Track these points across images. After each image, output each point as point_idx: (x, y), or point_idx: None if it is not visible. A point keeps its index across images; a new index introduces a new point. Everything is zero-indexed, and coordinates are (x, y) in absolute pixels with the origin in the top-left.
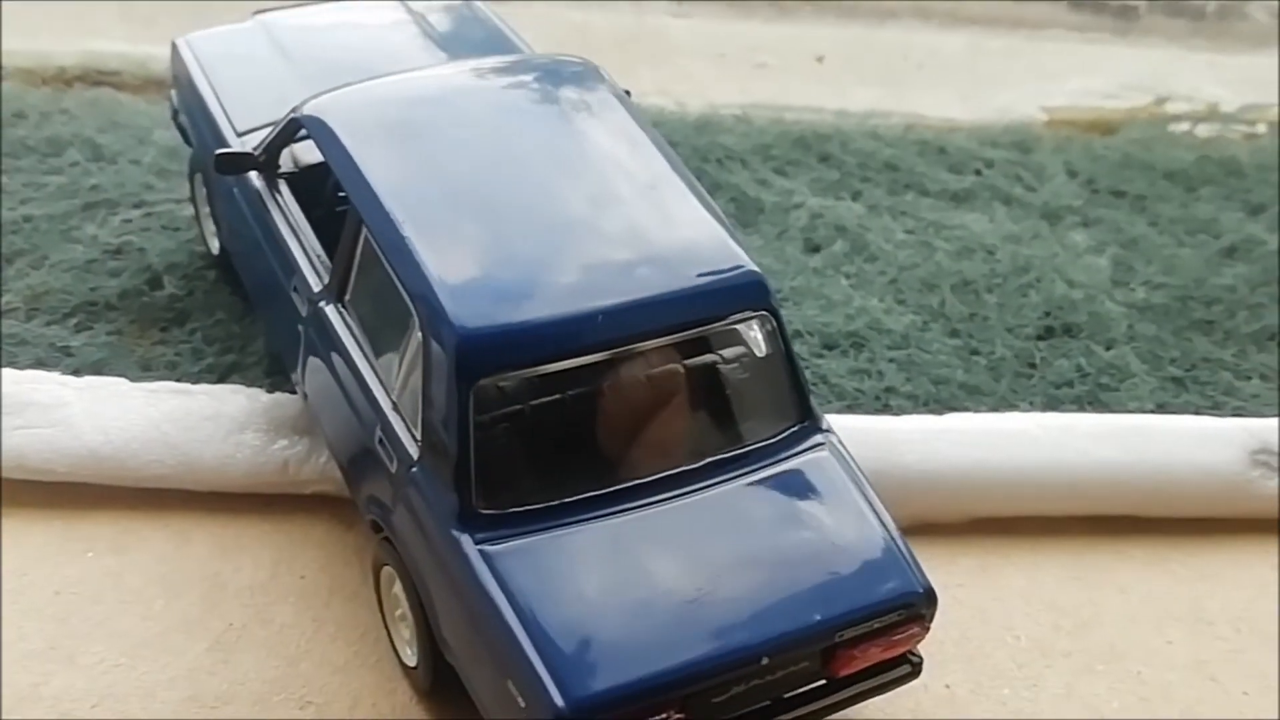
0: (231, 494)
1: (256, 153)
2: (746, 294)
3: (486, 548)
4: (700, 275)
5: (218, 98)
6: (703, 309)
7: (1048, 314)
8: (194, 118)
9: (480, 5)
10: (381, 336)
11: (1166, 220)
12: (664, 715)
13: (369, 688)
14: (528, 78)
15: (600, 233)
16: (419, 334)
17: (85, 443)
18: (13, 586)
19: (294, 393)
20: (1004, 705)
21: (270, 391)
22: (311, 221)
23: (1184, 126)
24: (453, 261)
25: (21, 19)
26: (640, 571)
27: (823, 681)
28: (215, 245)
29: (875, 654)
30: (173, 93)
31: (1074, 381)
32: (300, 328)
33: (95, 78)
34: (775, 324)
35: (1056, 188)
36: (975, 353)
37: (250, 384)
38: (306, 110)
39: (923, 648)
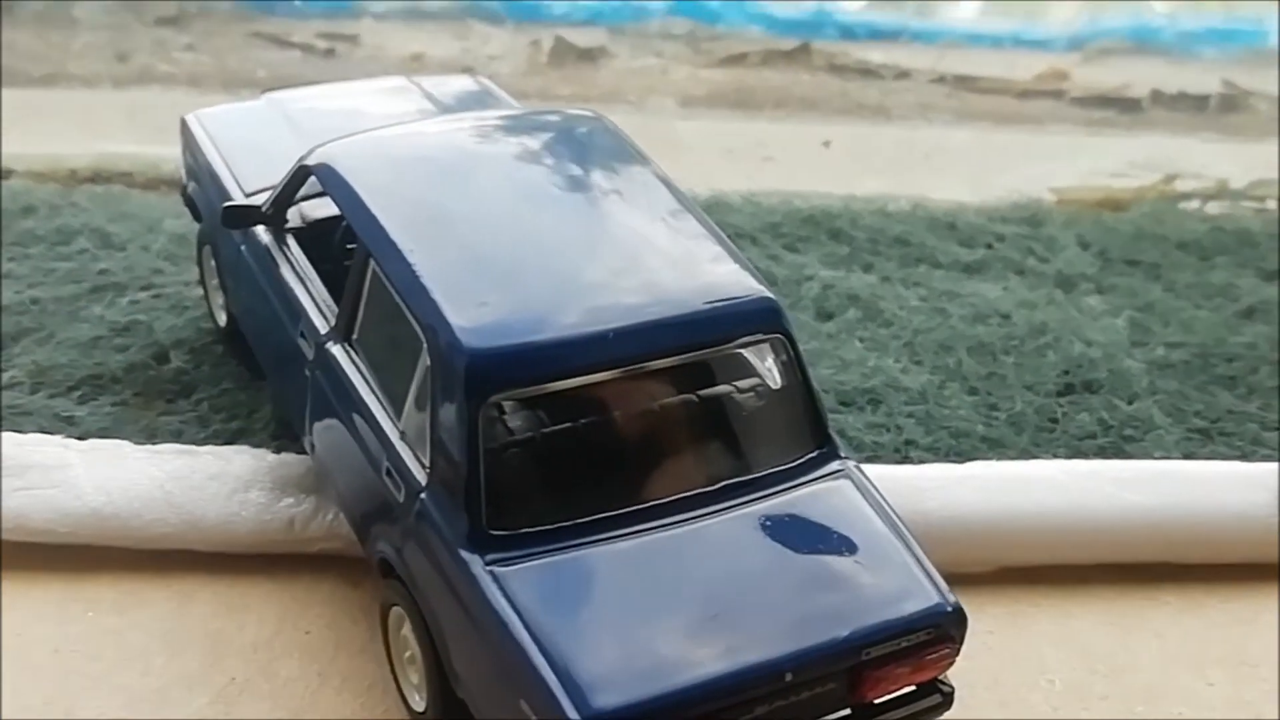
0: (236, 554)
1: (264, 207)
2: (760, 317)
3: (497, 569)
4: (713, 299)
5: (226, 163)
6: (715, 331)
7: (1066, 372)
8: (203, 187)
9: (490, 83)
10: (389, 370)
11: (1182, 286)
12: None
13: None
14: (535, 124)
15: (611, 261)
16: (427, 359)
17: (87, 503)
18: (10, 645)
19: (301, 453)
20: None
21: (277, 452)
22: (319, 276)
23: (1194, 204)
24: (460, 287)
25: (32, 123)
26: (656, 591)
27: (849, 711)
28: (223, 318)
29: (904, 676)
30: (182, 170)
31: (1097, 434)
32: (307, 373)
33: (106, 177)
34: (790, 348)
35: (1069, 258)
36: (995, 408)
37: (256, 447)
38: (315, 157)
39: (955, 682)
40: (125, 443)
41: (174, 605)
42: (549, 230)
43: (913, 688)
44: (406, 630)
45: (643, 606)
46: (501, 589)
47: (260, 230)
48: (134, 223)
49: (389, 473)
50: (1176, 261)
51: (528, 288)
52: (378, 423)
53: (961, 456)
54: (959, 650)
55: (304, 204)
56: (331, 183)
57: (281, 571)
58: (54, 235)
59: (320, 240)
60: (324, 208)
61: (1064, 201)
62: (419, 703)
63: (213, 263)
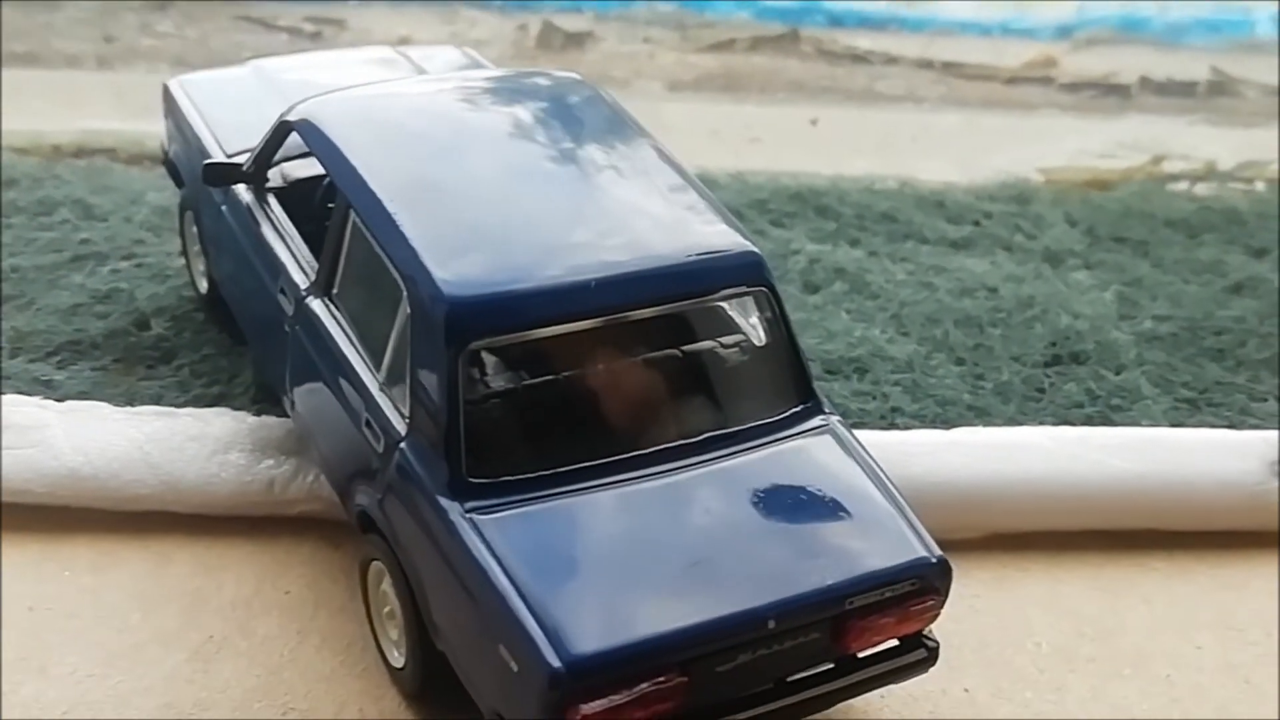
0: (215, 516)
1: (245, 165)
2: (743, 270)
3: (477, 516)
4: (695, 252)
5: (208, 126)
6: (697, 283)
7: (1053, 344)
8: (185, 151)
9: (477, 55)
10: (369, 322)
11: (1170, 262)
12: (665, 679)
13: (355, 694)
14: (520, 85)
15: (593, 215)
16: (407, 308)
17: (65, 463)
18: None
19: (282, 416)
20: (1027, 708)
21: (257, 415)
22: (300, 235)
23: (1182, 185)
24: (441, 238)
25: (15, 100)
26: (637, 539)
27: (833, 665)
28: (204, 285)
29: (889, 628)
30: (164, 136)
31: (1084, 404)
32: (287, 328)
33: (89, 152)
34: (774, 302)
35: (1057, 235)
36: (981, 378)
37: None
38: (296, 113)
39: (938, 641)
40: (104, 404)
41: (151, 565)
42: (532, 186)
43: (897, 642)
44: (386, 585)
45: (623, 555)
46: (481, 536)
47: (241, 190)
48: (116, 195)
49: (368, 424)
50: (1164, 238)
51: (510, 240)
52: (357, 375)
53: (948, 424)
54: (943, 603)
55: (285, 164)
56: (312, 137)
57: (261, 533)
58: (35, 206)
59: (301, 200)
60: (305, 168)
61: (1051, 181)
62: (398, 659)
63: (194, 229)
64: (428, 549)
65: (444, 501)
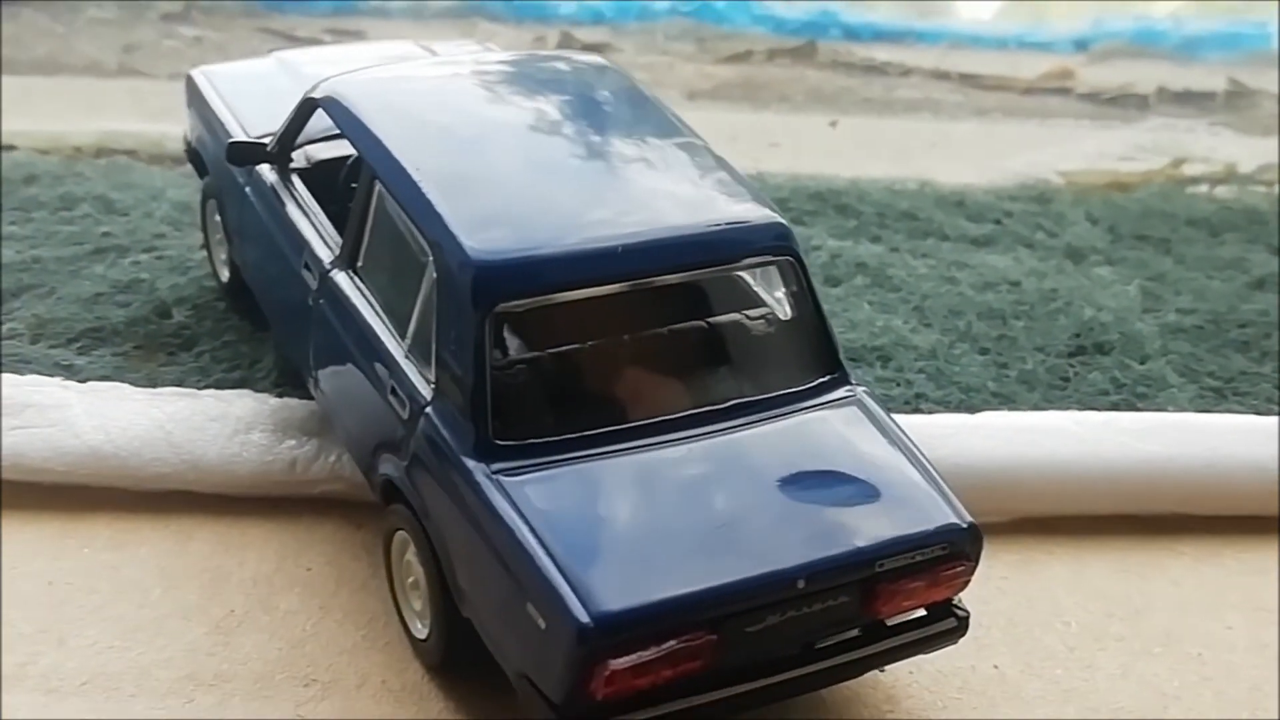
0: (236, 496)
1: (269, 145)
2: (768, 239)
3: (502, 477)
4: (723, 221)
5: (231, 111)
6: (723, 250)
7: (1077, 335)
8: (208, 139)
9: (496, 48)
10: (394, 292)
11: (1192, 259)
12: (694, 637)
13: (378, 666)
14: (543, 64)
15: (619, 186)
16: (434, 273)
17: (86, 441)
18: (3, 579)
19: (305, 398)
20: (1057, 684)
21: (279, 398)
22: (324, 215)
23: (1202, 188)
24: (467, 205)
25: (36, 105)
26: (665, 501)
27: (861, 632)
28: (225, 274)
29: (919, 593)
30: (186, 128)
31: (1109, 392)
32: (310, 303)
33: (110, 152)
34: (800, 273)
35: (1078, 232)
36: (1005, 367)
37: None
38: (320, 89)
39: (969, 611)
40: (125, 385)
41: (172, 543)
42: (558, 160)
43: (925, 612)
44: (410, 555)
45: (651, 515)
46: (507, 496)
47: (265, 172)
48: (138, 191)
49: (393, 392)
50: (1186, 236)
51: (535, 209)
52: (382, 345)
53: (973, 410)
54: (974, 569)
55: (309, 147)
56: (337, 111)
57: (282, 513)
58: (57, 201)
59: (325, 181)
60: (329, 150)
61: (1071, 183)
62: (421, 630)
63: (217, 218)
64: (454, 512)
65: (470, 463)
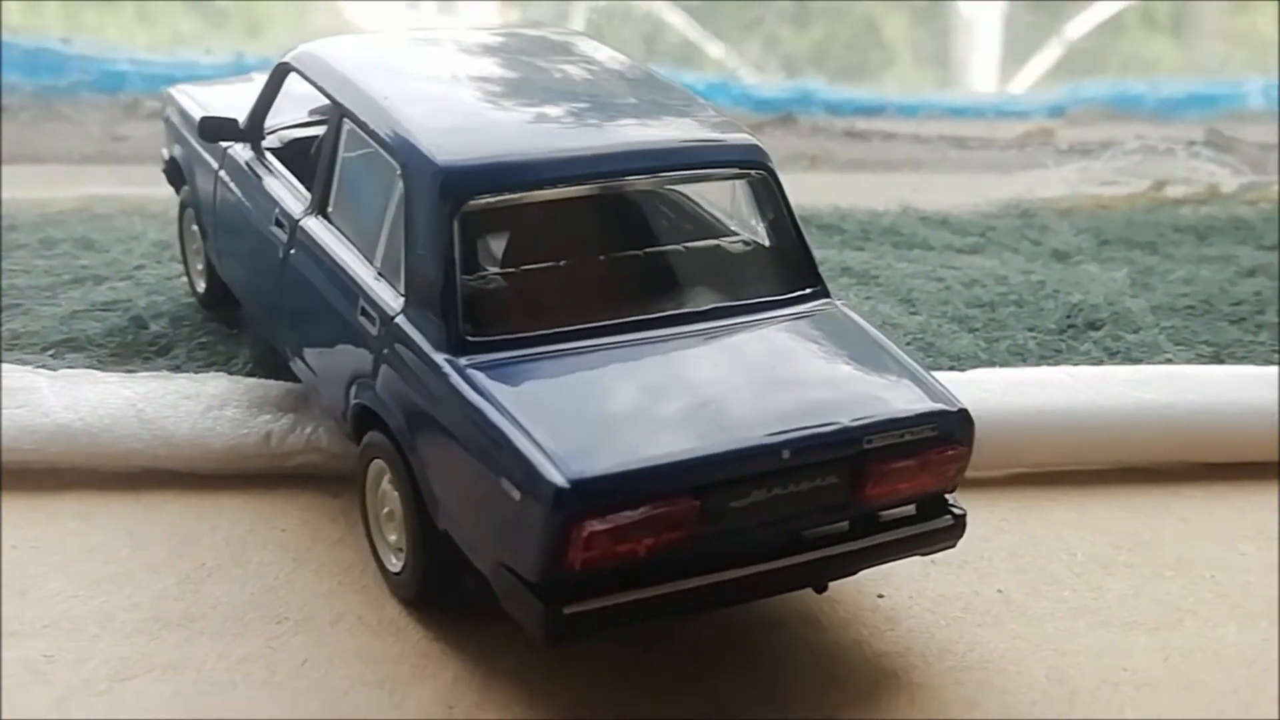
0: (210, 474)
1: (241, 122)
2: (741, 153)
3: (473, 371)
4: (697, 136)
5: (208, 109)
6: (695, 158)
7: (1067, 316)
8: (184, 149)
9: None
10: (363, 221)
11: (1180, 257)
12: (676, 502)
13: (354, 605)
14: (517, 32)
15: (596, 113)
16: (402, 185)
17: (55, 420)
18: None
19: (280, 379)
20: (1065, 603)
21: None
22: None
23: (1186, 209)
24: (435, 119)
25: (19, 178)
26: (643, 385)
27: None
28: (202, 285)
29: (909, 474)
30: (164, 147)
31: (1103, 360)
32: (283, 258)
33: (91, 211)
34: (776, 187)
35: (1064, 239)
36: (996, 342)
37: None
38: (292, 54)
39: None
40: (96, 371)
41: (142, 512)
42: (531, 95)
43: (913, 509)
44: (386, 483)
45: (629, 398)
46: (476, 383)
47: (238, 152)
48: (117, 233)
49: (364, 313)
50: (1172, 239)
51: (505, 126)
52: (353, 273)
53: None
54: (967, 456)
55: (280, 131)
56: (310, 65)
57: (257, 486)
58: (37, 244)
59: (295, 158)
60: (299, 132)
61: (1054, 205)
62: (396, 564)
63: (194, 227)
64: (425, 411)
65: (439, 357)
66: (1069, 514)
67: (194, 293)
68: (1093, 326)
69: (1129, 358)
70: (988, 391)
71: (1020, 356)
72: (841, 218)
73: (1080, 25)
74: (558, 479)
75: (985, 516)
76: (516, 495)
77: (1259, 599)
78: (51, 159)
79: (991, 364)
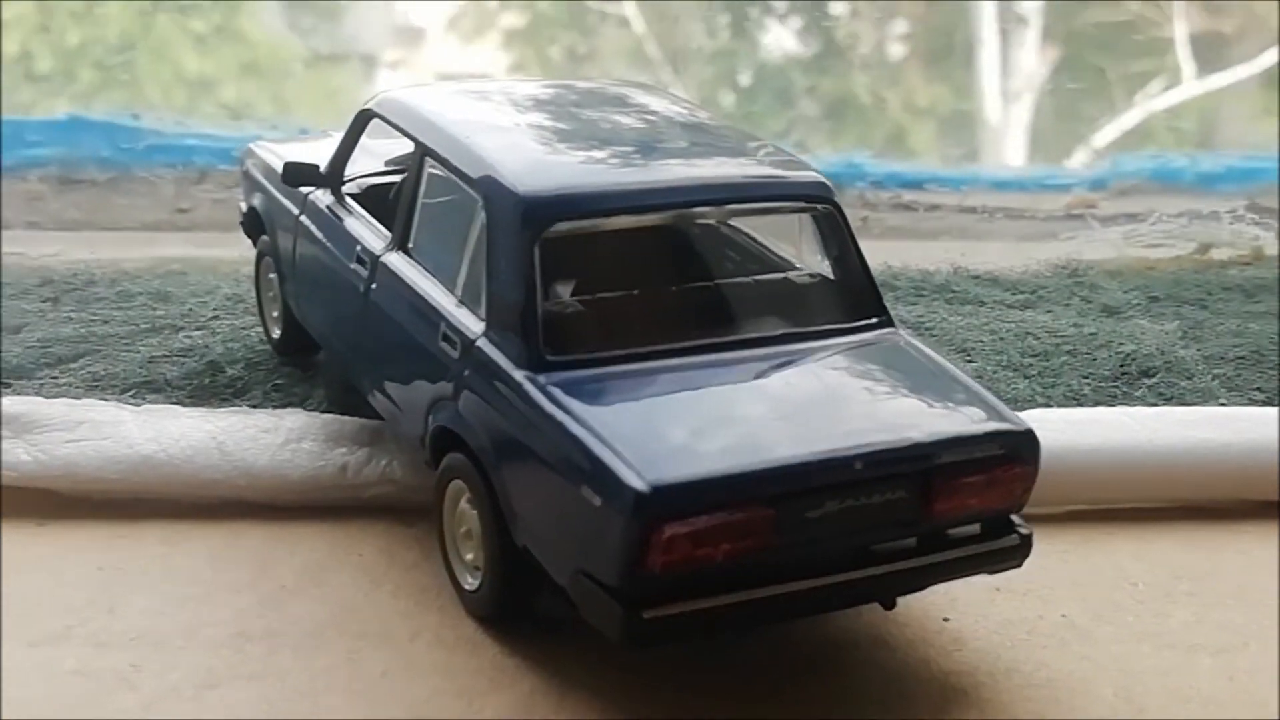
0: (287, 505)
1: (322, 167)
2: (809, 189)
3: (553, 388)
4: (766, 172)
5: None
6: (764, 192)
7: (1121, 364)
8: (264, 199)
9: None
10: (443, 254)
11: (1229, 312)
12: (752, 509)
13: (432, 624)
14: (590, 81)
15: (660, 148)
16: (484, 215)
17: (139, 451)
18: (52, 566)
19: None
20: (1129, 628)
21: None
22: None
23: (1232, 272)
24: (514, 155)
25: (93, 242)
26: (720, 400)
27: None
28: (277, 331)
29: (978, 491)
30: (241, 201)
31: (1158, 405)
32: (364, 293)
33: (164, 269)
34: (841, 222)
35: (1114, 296)
36: (1052, 387)
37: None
38: (375, 100)
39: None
40: (179, 406)
41: (223, 539)
42: (601, 133)
43: (977, 529)
44: (464, 503)
45: (704, 412)
46: (557, 399)
47: (318, 198)
48: (192, 287)
49: (445, 339)
50: (1221, 297)
51: (581, 162)
52: (434, 302)
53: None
54: (1033, 477)
55: (360, 179)
56: (391, 109)
57: (334, 516)
58: (114, 297)
59: (375, 203)
60: (379, 179)
61: (1101, 267)
62: (472, 582)
63: (271, 275)
64: (506, 427)
65: (520, 374)
66: (1129, 546)
67: (269, 339)
68: (1146, 374)
69: (1183, 403)
70: (1046, 429)
71: (1076, 401)
72: (894, 276)
73: (1106, 135)
74: (638, 484)
75: (1046, 548)
76: (597, 502)
77: None
78: (123, 226)
79: (1048, 407)
